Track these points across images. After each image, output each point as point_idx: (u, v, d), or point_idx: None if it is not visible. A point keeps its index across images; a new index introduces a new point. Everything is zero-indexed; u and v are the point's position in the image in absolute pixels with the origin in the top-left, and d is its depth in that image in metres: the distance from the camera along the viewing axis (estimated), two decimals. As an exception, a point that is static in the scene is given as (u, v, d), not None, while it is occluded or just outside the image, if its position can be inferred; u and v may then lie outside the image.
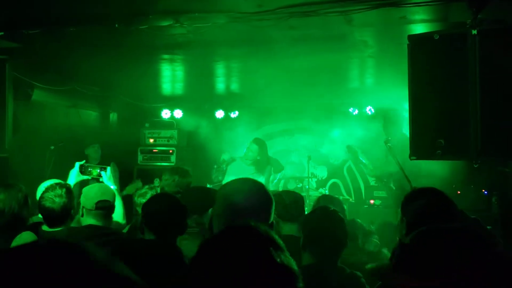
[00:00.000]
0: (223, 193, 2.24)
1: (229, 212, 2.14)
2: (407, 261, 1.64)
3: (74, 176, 4.75)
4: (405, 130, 6.96)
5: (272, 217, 2.20)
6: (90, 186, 3.92)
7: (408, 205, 2.68)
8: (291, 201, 4.06)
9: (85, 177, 4.86)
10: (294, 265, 1.33)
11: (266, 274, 1.27)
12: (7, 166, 5.71)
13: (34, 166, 6.08)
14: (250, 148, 7.26)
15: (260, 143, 7.42)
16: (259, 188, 2.24)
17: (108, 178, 4.89)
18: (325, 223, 3.06)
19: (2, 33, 4.92)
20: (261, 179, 6.98)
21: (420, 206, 2.62)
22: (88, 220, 3.63)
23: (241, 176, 6.72)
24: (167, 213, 3.20)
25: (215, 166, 7.15)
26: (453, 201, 2.67)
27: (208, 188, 4.88)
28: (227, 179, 6.96)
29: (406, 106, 4.23)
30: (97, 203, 3.62)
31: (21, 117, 6.00)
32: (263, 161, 7.21)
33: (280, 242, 1.37)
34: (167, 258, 2.94)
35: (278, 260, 1.29)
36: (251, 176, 6.68)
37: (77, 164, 4.91)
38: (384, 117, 7.10)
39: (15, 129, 5.39)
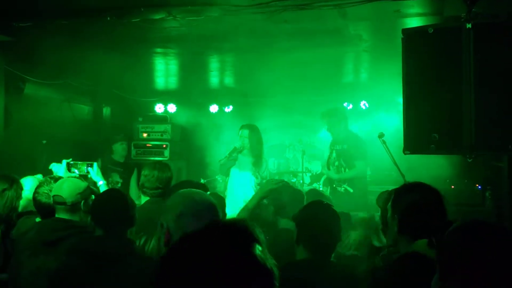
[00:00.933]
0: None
1: None
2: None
3: (62, 174, 4.72)
4: (350, 126, 7.34)
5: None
6: (62, 179, 3.87)
7: (398, 201, 2.64)
8: (289, 196, 4.09)
9: (73, 174, 4.82)
10: (270, 260, 1.31)
11: (242, 270, 1.24)
12: (-1, 160, 5.67)
13: (26, 160, 6.03)
14: (241, 135, 6.94)
15: (250, 127, 7.10)
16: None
17: (96, 173, 4.88)
18: (319, 217, 3.04)
19: (-8, 25, 4.88)
20: (257, 177, 6.80)
21: (411, 202, 2.59)
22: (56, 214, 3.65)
23: (242, 170, 6.55)
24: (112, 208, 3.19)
25: (227, 155, 6.81)
26: (444, 196, 2.64)
27: (202, 183, 4.82)
28: (231, 173, 6.90)
29: (400, 100, 4.21)
30: (53, 196, 3.63)
31: (12, 111, 5.95)
32: (259, 150, 6.92)
33: (261, 238, 1.35)
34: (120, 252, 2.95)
35: (255, 255, 1.28)
36: (249, 172, 6.68)
37: (64, 162, 4.89)
38: (327, 115, 7.20)
39: (7, 123, 5.36)
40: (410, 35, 4.10)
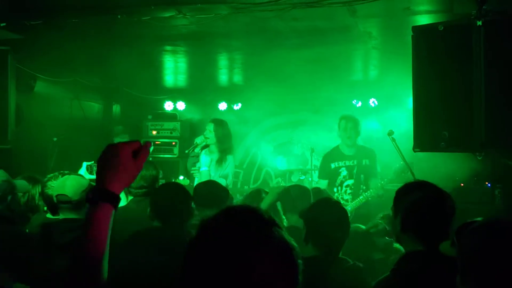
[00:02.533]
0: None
1: None
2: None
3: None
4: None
5: None
6: (62, 178, 3.79)
7: (400, 200, 2.63)
8: (297, 194, 4.11)
9: (93, 176, 4.83)
10: (293, 241, 1.35)
11: (269, 249, 1.29)
12: (10, 157, 5.70)
13: (37, 157, 6.08)
14: (207, 129, 6.45)
15: (216, 121, 6.58)
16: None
17: None
18: (328, 215, 3.05)
19: (3, 24, 4.91)
20: (222, 171, 6.43)
21: (413, 201, 2.58)
22: (61, 213, 3.63)
23: (208, 167, 6.34)
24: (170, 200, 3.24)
25: (189, 152, 6.56)
26: (449, 194, 2.62)
27: (217, 182, 4.86)
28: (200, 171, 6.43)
29: (409, 97, 4.20)
30: (56, 196, 3.59)
31: (23, 109, 5.99)
32: (224, 146, 6.50)
33: (278, 221, 1.39)
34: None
35: (277, 237, 1.32)
36: (212, 169, 6.34)
37: (84, 164, 4.91)
38: (351, 121, 6.47)
39: (18, 121, 5.38)
40: (420, 32, 4.09)
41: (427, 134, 4.04)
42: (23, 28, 5.05)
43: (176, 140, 9.68)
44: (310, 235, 3.02)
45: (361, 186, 6.25)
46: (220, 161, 6.42)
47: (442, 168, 6.28)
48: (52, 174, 3.95)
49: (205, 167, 6.38)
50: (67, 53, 5.88)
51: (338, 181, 6.36)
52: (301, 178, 8.88)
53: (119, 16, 4.67)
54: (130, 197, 4.41)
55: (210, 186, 4.50)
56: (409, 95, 4.28)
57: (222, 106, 10.11)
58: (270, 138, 10.59)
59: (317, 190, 4.95)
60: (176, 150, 9.67)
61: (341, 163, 6.37)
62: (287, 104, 9.75)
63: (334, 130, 7.09)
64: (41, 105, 6.89)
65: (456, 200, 2.64)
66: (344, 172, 6.36)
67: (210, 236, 1.33)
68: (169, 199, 3.52)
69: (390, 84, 7.36)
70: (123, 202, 4.15)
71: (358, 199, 6.09)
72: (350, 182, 6.33)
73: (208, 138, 6.38)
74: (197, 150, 6.47)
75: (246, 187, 9.99)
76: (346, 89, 8.69)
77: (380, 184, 5.98)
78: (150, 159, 8.03)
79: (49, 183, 3.81)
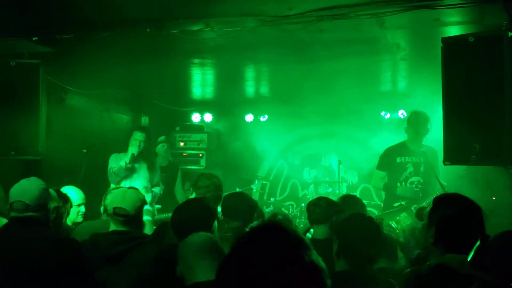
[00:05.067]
0: None
1: None
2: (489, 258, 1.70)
3: None
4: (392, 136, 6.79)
5: None
6: (119, 190, 3.90)
7: (437, 212, 2.58)
8: (326, 204, 4.09)
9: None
10: (321, 262, 1.36)
11: (297, 272, 1.29)
12: (40, 169, 5.80)
13: (67, 169, 6.16)
14: (136, 138, 6.21)
15: (146, 129, 6.52)
16: None
17: None
18: (361, 231, 3.01)
19: (36, 38, 5.02)
20: (156, 179, 6.46)
21: (450, 214, 2.54)
22: (111, 225, 3.65)
23: (137, 177, 6.17)
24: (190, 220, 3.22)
25: (123, 165, 6.05)
26: (482, 208, 2.58)
27: (245, 194, 4.87)
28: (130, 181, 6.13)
29: (439, 109, 4.15)
30: (114, 208, 3.62)
31: (54, 121, 6.09)
32: (152, 156, 6.55)
33: (307, 240, 1.40)
34: None
35: (307, 258, 1.32)
36: (145, 177, 6.19)
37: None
38: (421, 117, 6.33)
39: (49, 133, 5.48)
40: (449, 44, 4.06)
41: (457, 147, 3.99)
42: (54, 42, 5.15)
43: (203, 152, 9.74)
44: (342, 249, 2.97)
45: (430, 185, 6.09)
46: (152, 168, 6.38)
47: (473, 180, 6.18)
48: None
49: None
50: (97, 66, 5.97)
51: (403, 176, 6.23)
52: (328, 190, 8.81)
53: (148, 30, 4.73)
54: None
55: (237, 198, 4.49)
56: (438, 106, 4.23)
57: (249, 117, 10.13)
58: (297, 149, 10.56)
59: (350, 198, 4.86)
60: (203, 161, 9.73)
61: (407, 159, 6.24)
62: (314, 116, 9.70)
63: (362, 141, 7.04)
64: (72, 117, 7.00)
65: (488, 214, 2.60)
66: (410, 168, 6.22)
67: (242, 257, 1.34)
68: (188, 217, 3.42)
69: (419, 96, 7.27)
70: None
71: (429, 199, 5.64)
72: (415, 179, 6.19)
73: (140, 148, 6.20)
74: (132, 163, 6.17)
75: (272, 199, 9.96)
76: (375, 100, 8.62)
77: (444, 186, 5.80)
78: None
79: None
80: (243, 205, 4.31)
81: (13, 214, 3.38)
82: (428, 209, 2.64)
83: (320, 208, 4.17)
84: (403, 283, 2.75)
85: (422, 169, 6.17)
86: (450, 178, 6.16)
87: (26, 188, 3.41)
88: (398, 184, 6.21)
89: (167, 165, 7.96)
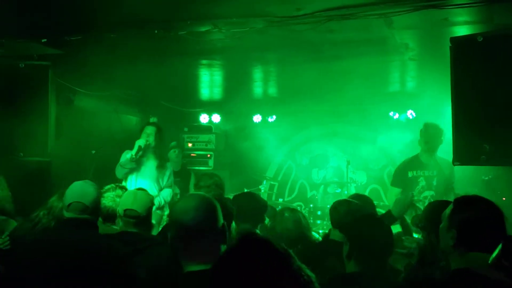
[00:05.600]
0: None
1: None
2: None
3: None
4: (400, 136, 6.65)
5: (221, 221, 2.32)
6: (129, 191, 3.93)
7: (458, 214, 2.56)
8: (345, 211, 4.03)
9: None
10: (312, 276, 1.38)
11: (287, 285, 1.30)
12: (49, 170, 5.83)
13: (76, 170, 6.18)
14: (146, 131, 6.19)
15: (157, 125, 6.46)
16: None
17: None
18: (372, 231, 3.00)
19: (44, 39, 5.04)
20: (165, 182, 6.32)
21: (472, 217, 2.51)
22: (121, 226, 3.66)
23: (142, 178, 6.12)
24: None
25: (129, 157, 5.97)
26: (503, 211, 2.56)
27: (253, 194, 4.82)
28: (132, 178, 6.14)
29: (449, 109, 4.12)
30: (125, 210, 3.63)
31: (63, 122, 6.12)
32: (163, 152, 6.50)
33: (294, 255, 1.41)
34: None
35: (297, 267, 1.35)
36: (149, 180, 6.10)
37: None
38: (433, 129, 6.16)
39: (58, 134, 5.50)
40: (458, 43, 4.03)
41: (467, 147, 3.96)
42: (63, 43, 5.17)
43: (211, 152, 9.77)
44: (353, 251, 2.97)
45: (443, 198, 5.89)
46: (161, 166, 6.26)
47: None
48: (109, 186, 4.13)
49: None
50: (105, 67, 5.99)
51: (416, 191, 6.00)
52: (337, 191, 8.79)
53: (156, 31, 4.73)
54: None
55: (245, 199, 4.45)
56: (448, 106, 4.21)
57: (257, 118, 10.13)
58: (305, 150, 10.54)
59: (361, 198, 4.80)
60: (211, 162, 9.76)
61: (419, 172, 6.08)
62: (322, 116, 9.70)
63: (371, 142, 6.98)
64: (80, 119, 7.03)
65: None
66: (422, 182, 6.05)
67: (229, 273, 1.34)
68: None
69: (428, 96, 7.25)
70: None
71: None
72: (428, 193, 6.00)
73: (149, 141, 6.12)
74: (139, 154, 6.06)
75: (280, 199, 9.97)
76: (383, 100, 8.60)
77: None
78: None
79: (107, 193, 3.99)
80: (251, 206, 4.28)
81: (69, 215, 3.39)
82: (448, 211, 2.61)
83: (337, 214, 4.11)
84: None
85: (435, 183, 6.00)
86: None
87: (85, 190, 3.45)
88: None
89: (181, 169, 7.96)
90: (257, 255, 1.34)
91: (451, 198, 5.62)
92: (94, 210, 3.46)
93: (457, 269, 2.45)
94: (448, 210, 2.61)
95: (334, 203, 4.32)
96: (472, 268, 2.33)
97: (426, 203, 5.74)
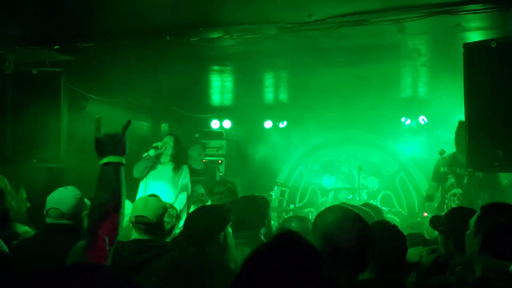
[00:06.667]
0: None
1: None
2: None
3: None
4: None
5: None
6: (141, 198, 3.92)
7: (485, 220, 2.55)
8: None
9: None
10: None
11: (314, 286, 1.29)
12: (62, 176, 5.85)
13: (88, 176, 6.19)
14: (164, 140, 6.68)
15: (176, 136, 6.89)
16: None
17: None
18: (386, 239, 2.97)
19: (57, 46, 5.07)
20: (181, 182, 6.58)
21: (500, 223, 2.51)
22: (133, 233, 3.65)
23: (160, 178, 6.23)
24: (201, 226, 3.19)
25: (146, 155, 6.45)
26: None
27: (253, 199, 4.73)
28: (148, 181, 6.44)
29: (462, 115, 4.10)
30: (136, 217, 3.62)
31: (75, 129, 6.14)
32: (181, 158, 6.76)
33: (322, 254, 1.40)
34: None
35: (323, 272, 1.33)
36: (166, 183, 6.38)
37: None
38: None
39: (70, 140, 5.52)
40: (471, 49, 4.01)
41: (480, 153, 3.93)
42: (76, 50, 5.20)
43: (222, 158, 9.77)
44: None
45: (471, 199, 5.69)
46: (177, 169, 6.57)
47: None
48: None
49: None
50: (117, 74, 6.02)
51: (446, 187, 6.12)
52: (348, 197, 8.76)
53: (168, 38, 4.75)
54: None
55: (245, 206, 4.21)
56: (460, 112, 4.18)
57: (268, 124, 10.14)
58: (316, 156, 10.52)
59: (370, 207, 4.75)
60: (222, 168, 9.77)
61: (451, 169, 6.04)
62: (333, 122, 9.68)
63: (382, 148, 6.95)
64: (93, 125, 7.04)
65: None
66: (451, 179, 6.05)
67: (259, 271, 1.33)
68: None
69: (441, 102, 7.21)
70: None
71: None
72: (457, 191, 5.98)
73: (165, 145, 6.54)
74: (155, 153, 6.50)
75: (292, 205, 9.94)
76: (395, 106, 8.57)
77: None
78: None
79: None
80: (252, 214, 4.10)
81: (49, 220, 3.52)
82: (475, 217, 2.61)
83: None
84: None
85: (465, 181, 5.95)
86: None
87: (62, 197, 3.55)
88: (446, 195, 6.08)
89: (203, 168, 7.94)
90: (285, 254, 1.34)
91: (480, 202, 5.59)
92: (73, 216, 3.52)
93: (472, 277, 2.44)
94: (475, 217, 2.61)
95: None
96: (486, 277, 2.31)
97: (456, 201, 5.90)
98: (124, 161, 2.21)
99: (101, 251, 1.89)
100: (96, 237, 1.92)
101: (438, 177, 6.26)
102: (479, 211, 2.64)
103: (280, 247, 1.38)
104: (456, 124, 6.03)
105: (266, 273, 1.31)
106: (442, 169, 6.20)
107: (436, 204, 6.14)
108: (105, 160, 2.18)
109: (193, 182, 7.05)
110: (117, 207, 2.02)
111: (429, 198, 6.40)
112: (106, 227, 1.94)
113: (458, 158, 6.08)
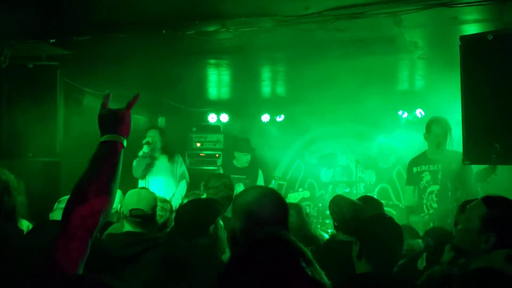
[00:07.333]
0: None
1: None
2: None
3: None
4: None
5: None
6: (131, 191, 3.85)
7: (492, 217, 2.53)
8: (349, 210, 3.98)
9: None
10: (324, 278, 1.35)
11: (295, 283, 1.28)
12: (58, 170, 5.85)
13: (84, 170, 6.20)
14: (149, 135, 6.76)
15: (160, 129, 7.14)
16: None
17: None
18: (383, 231, 2.98)
19: (53, 40, 5.05)
20: (178, 171, 6.78)
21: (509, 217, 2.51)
22: (126, 226, 3.65)
23: (159, 172, 6.39)
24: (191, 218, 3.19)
25: (141, 154, 6.57)
26: None
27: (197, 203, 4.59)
28: (148, 178, 6.56)
29: (458, 108, 4.10)
30: (131, 210, 3.60)
31: (72, 122, 6.14)
32: (171, 148, 6.96)
33: (309, 254, 1.38)
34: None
35: (310, 273, 1.31)
36: (164, 177, 6.51)
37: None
38: (440, 123, 6.05)
39: (66, 134, 5.52)
40: (468, 42, 4.00)
41: (477, 146, 3.93)
42: (72, 44, 5.18)
43: (220, 152, 9.77)
44: (364, 251, 2.94)
45: (448, 193, 5.59)
46: (172, 158, 6.77)
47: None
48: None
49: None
50: (114, 68, 6.00)
51: (422, 187, 5.93)
52: (345, 190, 8.76)
53: (164, 31, 4.73)
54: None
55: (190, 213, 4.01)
56: (457, 105, 4.18)
57: (265, 118, 10.13)
58: (314, 149, 10.52)
59: (368, 200, 4.74)
60: (219, 162, 9.76)
61: (424, 167, 5.96)
62: (331, 115, 9.67)
63: (379, 141, 6.96)
64: (89, 119, 7.03)
65: None
66: (427, 177, 5.92)
67: (242, 271, 1.31)
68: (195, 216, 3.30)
69: (438, 95, 7.19)
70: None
71: (446, 208, 5.41)
72: (434, 188, 5.85)
73: (153, 139, 6.67)
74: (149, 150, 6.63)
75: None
76: (392, 99, 8.56)
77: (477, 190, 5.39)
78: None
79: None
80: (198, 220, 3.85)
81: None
82: (478, 213, 2.58)
83: (341, 215, 4.06)
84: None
85: (440, 177, 5.85)
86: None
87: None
88: (423, 196, 5.89)
89: (247, 167, 7.73)
90: (268, 255, 1.32)
91: (459, 195, 5.55)
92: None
93: (477, 268, 2.44)
94: (476, 212, 2.57)
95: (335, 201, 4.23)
96: (494, 268, 2.32)
97: (435, 199, 5.81)
98: (124, 142, 1.98)
99: (71, 241, 1.61)
100: (67, 223, 1.66)
101: (412, 178, 6.09)
102: (473, 203, 2.62)
103: (263, 249, 1.36)
104: (453, 120, 6.00)
105: (249, 276, 1.29)
106: (415, 170, 6.08)
107: (424, 216, 5.83)
108: (102, 138, 1.97)
109: (235, 180, 6.85)
110: (99, 192, 1.75)
111: (410, 209, 5.99)
112: (82, 212, 1.67)
113: (428, 155, 6.06)
